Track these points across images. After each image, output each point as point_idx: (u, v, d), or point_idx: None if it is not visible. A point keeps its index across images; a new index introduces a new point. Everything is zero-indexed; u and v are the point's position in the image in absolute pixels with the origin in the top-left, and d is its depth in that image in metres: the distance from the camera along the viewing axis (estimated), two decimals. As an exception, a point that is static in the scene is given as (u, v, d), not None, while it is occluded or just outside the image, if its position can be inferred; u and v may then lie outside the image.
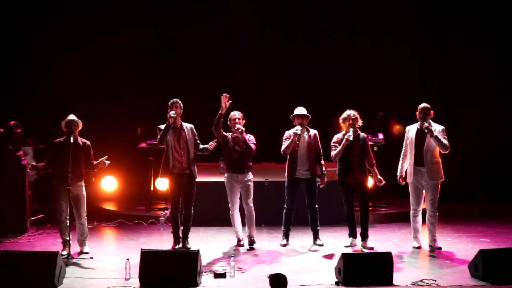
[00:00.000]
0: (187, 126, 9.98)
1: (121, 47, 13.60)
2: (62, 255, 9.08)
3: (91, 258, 9.58)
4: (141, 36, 13.64)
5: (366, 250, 9.95)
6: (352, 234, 10.22)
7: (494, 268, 8.41)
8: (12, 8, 13.31)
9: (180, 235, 10.03)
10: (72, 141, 9.51)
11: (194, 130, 10.03)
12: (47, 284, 8.15)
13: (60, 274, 8.39)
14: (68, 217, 9.58)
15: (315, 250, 10.09)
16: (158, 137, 9.84)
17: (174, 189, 9.98)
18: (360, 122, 10.01)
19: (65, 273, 8.59)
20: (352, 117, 9.94)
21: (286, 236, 10.37)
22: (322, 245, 10.21)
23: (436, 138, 9.69)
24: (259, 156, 11.26)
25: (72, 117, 9.65)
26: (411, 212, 10.06)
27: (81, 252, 9.79)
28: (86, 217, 9.79)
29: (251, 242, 10.25)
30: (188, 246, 9.98)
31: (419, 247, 10.04)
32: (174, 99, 9.88)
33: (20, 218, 11.16)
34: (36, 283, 8.14)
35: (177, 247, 9.98)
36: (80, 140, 9.70)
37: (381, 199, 12.35)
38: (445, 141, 9.73)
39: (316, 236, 10.32)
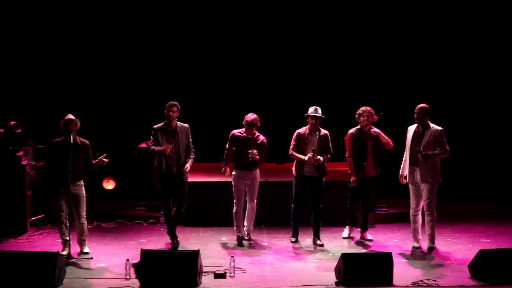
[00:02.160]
0: (182, 127, 9.97)
1: (121, 47, 13.60)
2: (62, 255, 9.07)
3: (91, 258, 9.57)
4: (142, 35, 13.63)
5: (365, 246, 10.00)
6: (351, 223, 10.33)
7: (494, 268, 8.41)
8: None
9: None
10: (71, 141, 9.51)
11: (189, 131, 10.04)
12: (47, 285, 8.13)
13: (60, 274, 8.38)
14: (68, 217, 9.57)
15: (315, 250, 10.09)
16: (151, 147, 9.87)
17: (165, 192, 10.02)
18: (375, 118, 10.21)
19: (65, 273, 8.58)
20: (368, 113, 10.12)
21: (295, 232, 10.43)
22: (322, 245, 10.21)
23: (431, 158, 9.66)
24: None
25: (70, 116, 9.64)
26: (410, 212, 10.05)
27: (81, 252, 9.78)
28: (86, 217, 9.79)
29: (247, 234, 10.47)
30: (176, 241, 10.05)
31: (419, 247, 10.03)
32: (172, 102, 9.88)
33: (20, 218, 11.15)
34: (36, 283, 8.13)
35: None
36: (79, 139, 9.68)
37: (381, 200, 12.34)
38: (440, 152, 9.69)
39: (316, 236, 10.33)
